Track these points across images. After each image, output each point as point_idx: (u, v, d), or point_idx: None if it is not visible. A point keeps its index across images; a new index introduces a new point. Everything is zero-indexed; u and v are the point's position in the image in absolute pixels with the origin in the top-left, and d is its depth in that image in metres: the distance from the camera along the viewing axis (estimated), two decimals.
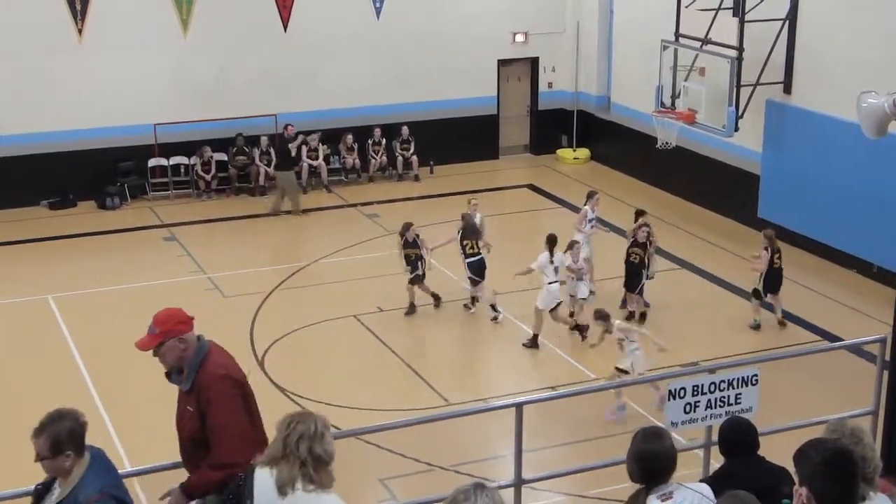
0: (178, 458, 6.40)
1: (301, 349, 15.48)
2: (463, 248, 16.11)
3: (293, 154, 21.86)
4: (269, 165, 22.39)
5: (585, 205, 17.02)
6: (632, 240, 15.98)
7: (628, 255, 15.93)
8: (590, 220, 16.85)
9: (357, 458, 12.01)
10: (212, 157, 22.19)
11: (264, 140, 22.42)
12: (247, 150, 22.46)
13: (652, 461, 5.26)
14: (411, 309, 16.28)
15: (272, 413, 14.13)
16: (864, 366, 13.07)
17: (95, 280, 17.82)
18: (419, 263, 16.18)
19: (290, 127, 22.04)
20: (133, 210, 21.65)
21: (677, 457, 5.34)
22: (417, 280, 16.22)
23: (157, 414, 13.47)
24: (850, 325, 15.53)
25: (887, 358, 8.63)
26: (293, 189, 21.39)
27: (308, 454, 5.11)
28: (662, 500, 5.26)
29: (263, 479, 5.16)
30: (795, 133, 18.80)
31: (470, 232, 16.11)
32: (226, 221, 21.06)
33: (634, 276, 15.82)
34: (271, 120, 22.55)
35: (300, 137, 22.17)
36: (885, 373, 8.61)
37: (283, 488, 5.07)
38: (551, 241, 15.25)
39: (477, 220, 16.64)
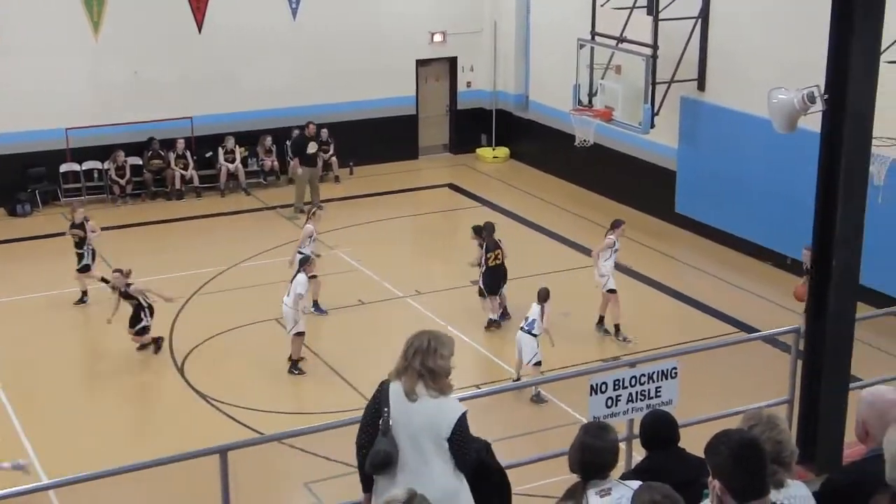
0: (95, 469, 6.26)
1: (222, 354, 15.29)
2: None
3: (311, 152, 21.62)
4: (185, 169, 22.13)
5: (611, 234, 15.70)
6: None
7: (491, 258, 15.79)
8: (615, 251, 15.71)
9: (281, 463, 11.93)
10: (126, 161, 21.83)
11: (180, 143, 22.13)
12: (162, 153, 22.15)
13: (592, 454, 5.39)
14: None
15: (193, 421, 13.99)
16: (779, 356, 13.32)
17: (6, 289, 17.40)
18: (144, 313, 15.20)
19: (311, 125, 21.84)
20: (45, 216, 21.18)
21: (619, 453, 5.46)
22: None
23: (71, 424, 13.30)
24: (766, 317, 15.82)
25: (801, 348, 8.79)
26: (316, 183, 21.55)
27: (421, 366, 5.83)
28: (601, 496, 5.32)
29: (396, 388, 5.92)
30: (709, 129, 19.11)
31: None
32: (142, 227, 20.73)
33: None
34: (187, 123, 22.27)
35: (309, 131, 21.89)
36: (800, 362, 8.77)
37: (409, 395, 5.86)
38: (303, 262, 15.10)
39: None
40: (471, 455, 5.89)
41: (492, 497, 5.97)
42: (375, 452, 5.91)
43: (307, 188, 21.40)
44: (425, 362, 5.82)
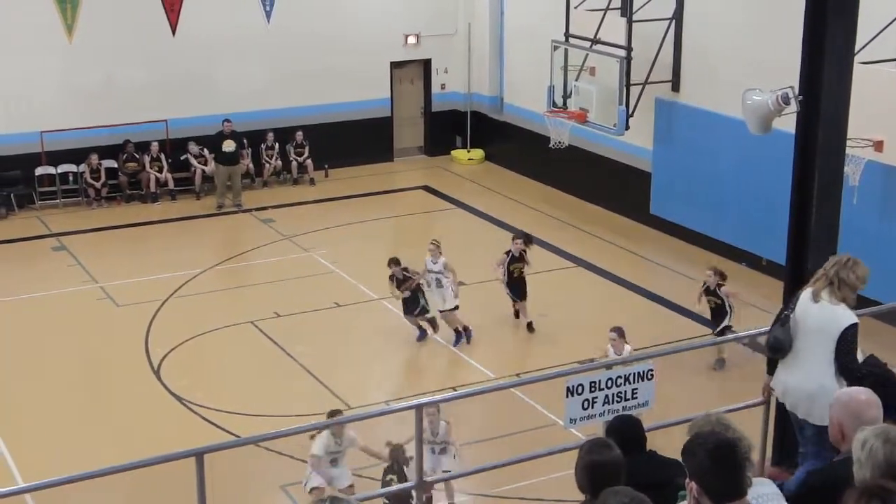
0: (71, 473, 6.25)
1: (198, 357, 15.24)
2: None
3: (227, 150, 21.63)
4: (160, 171, 22.04)
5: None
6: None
7: (510, 270, 15.88)
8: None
9: (258, 466, 11.90)
10: (101, 164, 21.72)
11: (155, 146, 22.02)
12: (137, 156, 22.05)
13: (602, 471, 5.14)
14: None
15: (170, 424, 13.94)
16: (755, 357, 13.38)
17: None
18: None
19: (227, 123, 21.77)
20: (20, 220, 21.03)
21: (624, 467, 5.24)
22: None
23: (48, 428, 13.22)
24: (742, 318, 15.87)
25: None
26: (238, 184, 21.61)
27: (835, 276, 6.97)
28: None
29: (806, 293, 7.10)
30: (684, 130, 19.18)
31: None
32: (117, 229, 20.61)
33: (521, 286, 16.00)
34: (162, 125, 22.16)
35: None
36: None
37: (815, 297, 7.04)
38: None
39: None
40: (853, 366, 6.79)
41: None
42: (768, 337, 7.27)
43: (226, 187, 21.63)
44: (839, 272, 6.91)
